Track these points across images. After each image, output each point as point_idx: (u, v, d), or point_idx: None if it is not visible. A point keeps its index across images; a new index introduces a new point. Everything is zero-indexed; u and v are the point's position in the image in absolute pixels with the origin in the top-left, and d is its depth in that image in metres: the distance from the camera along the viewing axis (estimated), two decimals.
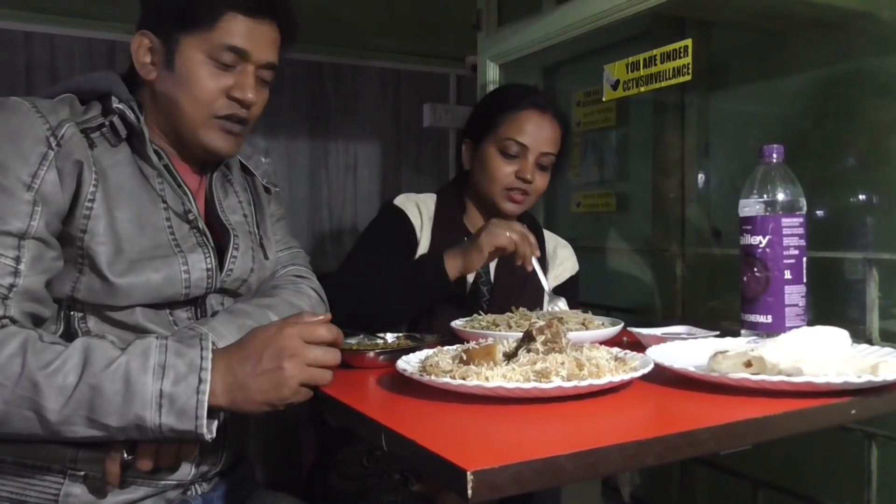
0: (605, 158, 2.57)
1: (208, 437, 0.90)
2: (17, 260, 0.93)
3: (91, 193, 1.00)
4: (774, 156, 1.16)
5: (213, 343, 0.94)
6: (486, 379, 0.86)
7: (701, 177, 2.21)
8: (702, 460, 1.95)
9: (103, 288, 1.00)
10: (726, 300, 1.98)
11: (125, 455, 0.97)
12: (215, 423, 0.91)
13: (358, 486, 1.40)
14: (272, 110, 2.87)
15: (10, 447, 0.99)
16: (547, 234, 1.74)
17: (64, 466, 1.00)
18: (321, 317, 0.97)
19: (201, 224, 1.10)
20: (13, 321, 0.92)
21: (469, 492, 0.62)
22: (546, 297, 1.51)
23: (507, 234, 1.37)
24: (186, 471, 1.07)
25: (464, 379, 0.86)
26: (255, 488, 1.25)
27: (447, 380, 0.87)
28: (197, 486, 1.12)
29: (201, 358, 0.90)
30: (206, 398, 0.88)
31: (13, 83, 2.45)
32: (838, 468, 1.62)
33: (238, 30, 1.08)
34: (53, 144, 0.98)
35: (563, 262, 1.72)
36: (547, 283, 1.47)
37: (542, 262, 1.65)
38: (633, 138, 2.46)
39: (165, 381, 0.88)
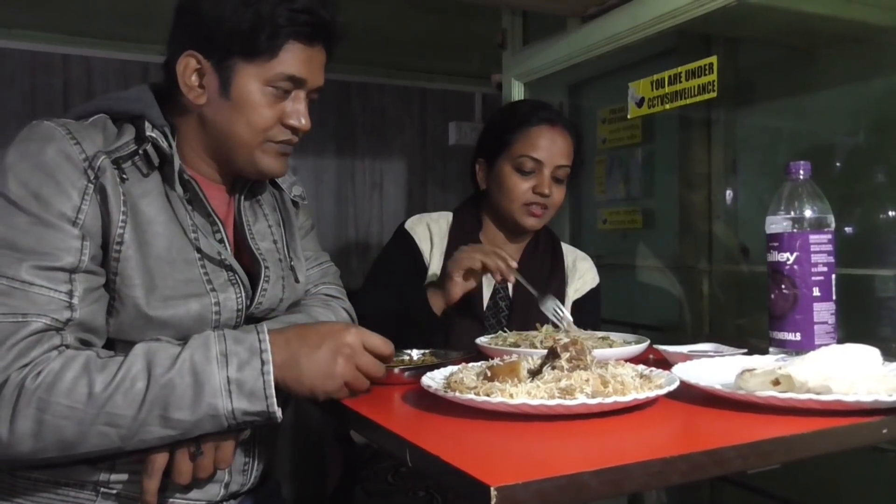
0: (631, 175, 2.57)
1: (279, 417, 0.92)
2: (71, 294, 0.94)
3: (119, 236, 1.00)
4: (801, 172, 1.15)
5: None
6: (511, 396, 0.86)
7: (728, 193, 2.19)
8: (731, 480, 1.92)
9: (138, 324, 1.01)
10: (754, 318, 1.96)
11: (191, 449, 0.97)
12: (280, 406, 0.93)
13: (383, 503, 1.40)
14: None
15: (44, 467, 1.00)
16: (566, 247, 1.74)
17: (97, 485, 1.01)
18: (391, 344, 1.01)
19: (232, 262, 1.09)
20: (68, 347, 0.93)
21: None
22: (546, 305, 1.48)
23: (473, 254, 1.39)
24: (216, 490, 1.08)
25: (488, 395, 0.86)
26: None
27: (472, 396, 0.87)
28: (226, 503, 1.12)
29: (259, 341, 0.93)
30: (272, 378, 0.91)
31: (51, 104, 2.52)
32: (871, 489, 1.59)
33: (297, 59, 1.07)
34: (92, 177, 0.98)
35: (582, 274, 1.71)
36: (534, 290, 1.48)
37: (561, 275, 1.64)
38: (660, 155, 2.46)
39: (231, 368, 0.90)
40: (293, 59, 1.07)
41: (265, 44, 1.04)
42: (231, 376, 0.90)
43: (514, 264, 1.41)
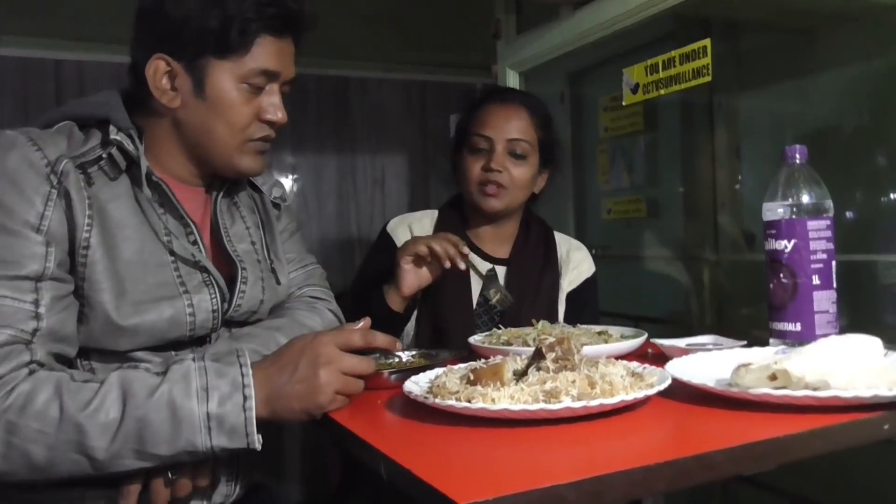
0: (635, 164, 2.52)
1: (258, 447, 0.90)
2: (37, 303, 0.92)
3: (85, 240, 0.97)
4: (797, 157, 1.10)
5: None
6: (493, 401, 0.82)
7: (733, 180, 2.14)
8: (741, 477, 1.88)
9: (107, 331, 0.99)
10: (760, 308, 1.91)
11: (169, 475, 0.97)
12: (260, 434, 0.91)
13: None
14: (298, 126, 2.91)
15: (15, 490, 0.97)
16: (559, 236, 1.68)
17: (74, 502, 0.99)
18: (361, 323, 0.98)
19: (206, 263, 1.07)
20: (41, 365, 0.91)
21: None
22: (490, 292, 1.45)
23: (419, 240, 1.35)
24: None
25: (469, 401, 0.83)
26: None
27: (452, 402, 0.83)
28: None
29: (242, 375, 0.90)
30: (254, 414, 0.88)
31: (44, 111, 2.49)
32: (884, 484, 1.54)
33: (269, 52, 1.05)
34: (55, 182, 0.96)
35: (577, 265, 1.64)
36: (482, 275, 1.45)
37: (555, 267, 1.60)
38: (663, 142, 2.41)
39: (211, 403, 0.87)
40: (265, 52, 1.05)
41: (237, 40, 1.02)
42: (211, 412, 0.88)
43: (466, 250, 1.36)
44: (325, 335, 0.95)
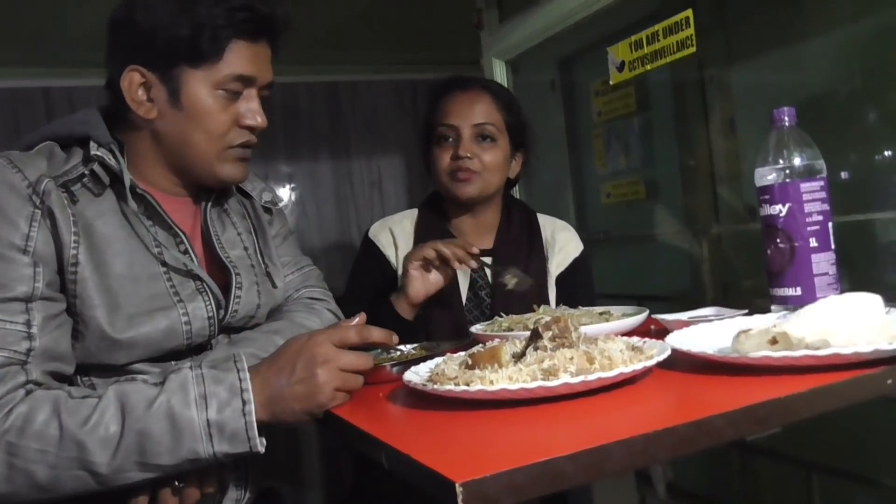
0: (631, 146, 2.50)
1: (261, 450, 0.90)
2: (28, 324, 0.92)
3: (73, 257, 0.97)
4: (786, 119, 1.09)
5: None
6: (491, 382, 0.82)
7: (729, 153, 2.12)
8: (758, 449, 1.86)
9: (103, 347, 0.98)
10: (762, 278, 1.89)
11: (176, 484, 0.97)
12: (263, 437, 0.91)
13: None
14: (292, 135, 2.91)
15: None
16: (543, 218, 1.64)
17: None
18: (356, 320, 0.97)
19: (198, 270, 1.06)
20: (38, 384, 0.91)
21: None
22: (507, 279, 1.43)
23: (426, 245, 1.34)
24: None
25: (467, 385, 0.82)
26: None
27: (450, 387, 0.83)
28: None
29: (240, 380, 0.89)
30: (254, 418, 0.88)
31: None
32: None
33: (243, 57, 1.05)
34: (37, 202, 0.95)
35: (563, 246, 1.60)
36: (490, 267, 1.44)
37: (540, 252, 1.58)
38: (657, 122, 2.39)
39: (210, 410, 0.87)
40: (239, 58, 1.04)
41: (208, 47, 1.02)
42: (211, 419, 0.87)
43: (476, 249, 1.35)
44: (321, 334, 0.94)
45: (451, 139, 1.49)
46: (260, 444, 0.89)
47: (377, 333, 0.99)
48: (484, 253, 1.55)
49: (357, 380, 0.94)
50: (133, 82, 1.03)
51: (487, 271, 1.52)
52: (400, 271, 1.50)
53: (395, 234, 1.55)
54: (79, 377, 1.01)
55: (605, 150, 2.61)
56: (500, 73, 2.18)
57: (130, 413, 0.87)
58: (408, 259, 1.36)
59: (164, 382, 0.89)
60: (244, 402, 0.88)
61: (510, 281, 1.42)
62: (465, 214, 1.56)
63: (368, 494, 1.46)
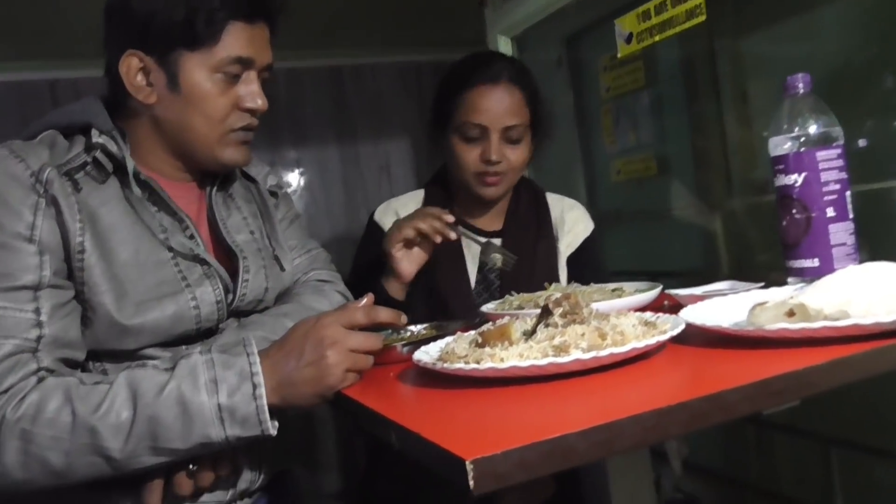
0: (640, 121, 2.47)
1: (273, 433, 0.90)
2: (38, 311, 0.92)
3: (79, 244, 0.97)
4: (800, 85, 1.06)
5: None
6: (501, 360, 0.80)
7: (742, 125, 2.09)
8: (775, 424, 1.84)
9: (113, 333, 0.98)
10: (776, 251, 1.86)
11: (191, 467, 0.97)
12: (275, 420, 0.90)
13: (406, 487, 1.36)
14: (298, 120, 2.89)
15: (40, 497, 0.97)
16: (552, 198, 1.61)
17: (99, 501, 0.99)
18: (364, 301, 0.97)
19: (205, 255, 1.06)
20: (49, 371, 0.91)
21: (471, 482, 0.57)
22: (488, 254, 1.40)
23: (403, 224, 1.31)
24: (224, 492, 1.06)
25: (477, 363, 0.81)
26: (298, 500, 1.22)
27: (460, 365, 0.82)
28: (238, 503, 1.10)
29: (250, 364, 0.89)
30: (265, 402, 0.88)
31: None
32: None
33: (240, 39, 1.03)
34: (41, 191, 0.95)
35: (572, 226, 1.57)
36: (480, 239, 1.40)
37: (549, 232, 1.55)
38: (667, 97, 2.35)
39: (221, 395, 0.87)
40: (236, 40, 1.03)
41: (204, 30, 1.01)
42: (222, 403, 0.87)
43: (451, 218, 1.31)
44: (328, 316, 0.94)
45: (478, 138, 1.44)
46: (272, 427, 0.89)
47: (385, 314, 0.98)
48: (493, 235, 1.54)
49: (367, 360, 0.94)
50: (131, 67, 1.03)
51: (465, 243, 1.49)
52: None
53: (399, 216, 1.52)
54: (90, 363, 1.01)
55: (615, 127, 2.57)
56: (505, 51, 2.15)
57: (141, 399, 0.87)
58: (388, 242, 1.33)
59: (175, 368, 0.89)
60: (255, 386, 0.88)
61: (497, 261, 1.40)
62: (469, 201, 1.54)
63: (382, 477, 1.46)
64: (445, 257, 1.39)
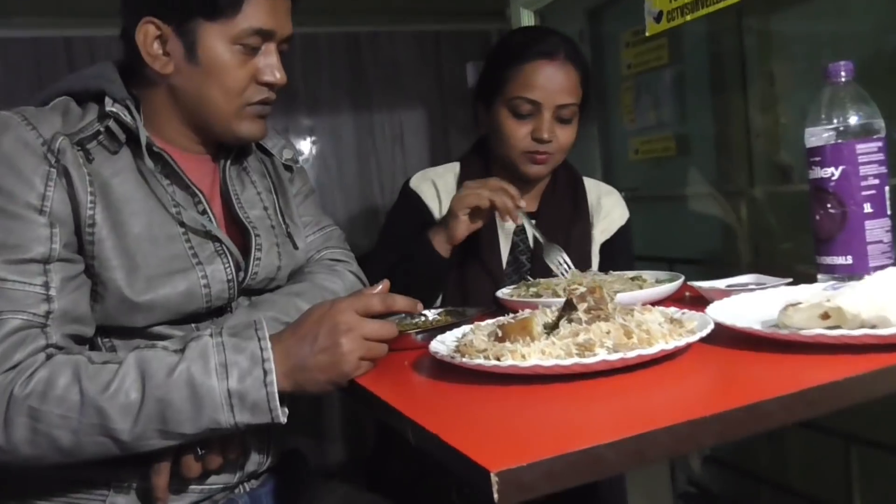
0: (661, 100, 2.41)
1: (283, 421, 0.88)
2: (46, 286, 0.90)
3: (90, 217, 0.94)
4: (843, 74, 1.01)
5: None
6: (523, 357, 0.77)
7: (768, 109, 2.03)
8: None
9: (123, 309, 0.96)
10: (801, 241, 1.81)
11: (199, 451, 0.96)
12: (285, 406, 0.89)
13: (416, 467, 1.35)
14: (313, 88, 2.84)
15: (50, 472, 0.96)
16: (588, 182, 1.58)
17: (108, 479, 0.98)
18: (379, 287, 0.94)
19: (217, 232, 1.03)
20: (58, 348, 0.89)
21: (495, 495, 0.54)
22: (550, 256, 1.36)
23: (479, 191, 1.26)
24: (232, 473, 1.04)
25: (498, 359, 0.78)
26: (306, 480, 1.21)
27: (480, 361, 0.79)
28: (245, 483, 1.08)
29: (261, 349, 0.87)
30: (275, 388, 0.86)
31: None
32: None
33: (262, 10, 1.00)
34: (52, 161, 0.92)
35: (608, 212, 1.55)
36: (541, 236, 1.36)
37: (585, 217, 1.52)
38: (690, 75, 2.29)
39: (231, 380, 0.85)
40: (257, 11, 0.99)
41: (225, 0, 0.97)
42: (232, 388, 0.85)
43: (523, 204, 1.29)
44: (343, 302, 0.91)
45: (530, 114, 1.39)
46: (282, 415, 0.87)
47: (401, 302, 0.95)
48: (527, 215, 1.50)
49: (382, 348, 0.92)
50: (148, 35, 0.99)
51: (529, 236, 1.46)
52: None
53: (437, 188, 1.49)
54: (99, 339, 0.99)
55: (634, 105, 2.51)
56: (526, 24, 2.08)
57: (150, 380, 0.85)
58: (458, 202, 1.28)
59: (184, 350, 0.87)
60: (265, 373, 0.86)
61: (556, 263, 1.35)
62: (508, 177, 1.49)
63: (392, 456, 1.45)
64: (480, 233, 1.35)
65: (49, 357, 0.87)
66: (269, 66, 1.02)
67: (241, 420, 0.86)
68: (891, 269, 0.85)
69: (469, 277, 1.41)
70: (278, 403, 0.86)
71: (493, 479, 0.54)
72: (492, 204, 1.26)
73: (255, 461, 1.07)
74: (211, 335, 0.89)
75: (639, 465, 0.59)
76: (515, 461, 0.55)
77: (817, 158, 1.02)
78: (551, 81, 1.38)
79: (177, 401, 0.84)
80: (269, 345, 0.87)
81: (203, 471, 0.98)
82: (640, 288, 1.16)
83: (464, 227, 1.29)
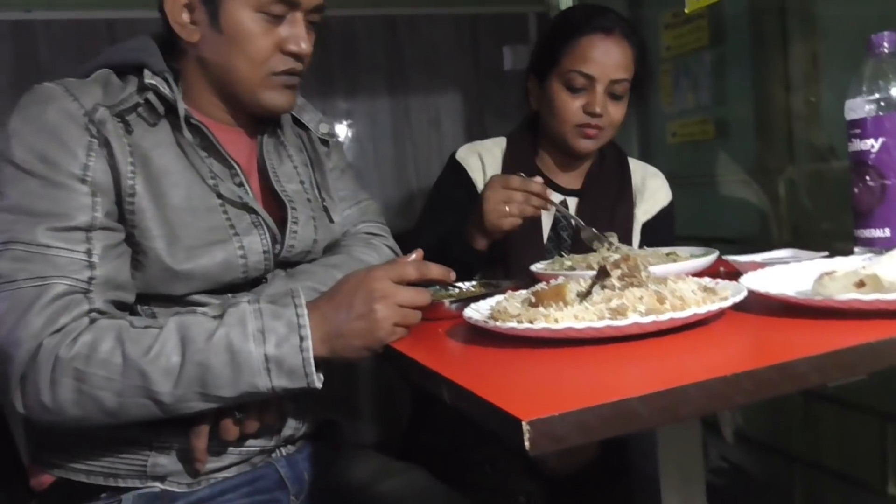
0: (700, 82, 2.38)
1: (318, 386, 0.90)
2: (90, 253, 0.93)
3: (130, 188, 0.97)
4: (886, 45, 1.00)
5: None
6: (556, 321, 0.78)
7: (810, 90, 2.00)
8: (825, 396, 1.79)
9: (163, 277, 0.99)
10: (840, 220, 1.79)
11: (237, 415, 0.99)
12: (321, 372, 0.91)
13: (450, 441, 1.37)
14: (349, 71, 2.86)
15: (97, 431, 0.99)
16: (634, 163, 1.59)
17: (150, 440, 1.01)
18: (413, 255, 0.96)
19: (253, 204, 1.05)
20: (101, 313, 0.92)
21: (527, 443, 0.55)
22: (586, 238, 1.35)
23: (507, 209, 1.24)
24: (269, 437, 1.07)
25: (531, 322, 0.79)
26: (342, 449, 1.24)
27: (513, 324, 0.80)
28: (282, 448, 1.11)
29: (297, 316, 0.89)
30: (311, 354, 0.88)
31: None
32: None
33: None
34: (94, 132, 0.95)
35: (653, 193, 1.56)
36: (580, 221, 1.36)
37: (629, 196, 1.52)
38: (730, 57, 2.26)
39: (268, 345, 0.87)
40: None
41: None
42: (269, 353, 0.87)
43: (550, 198, 1.28)
44: (378, 269, 0.93)
45: (583, 88, 1.41)
46: (317, 380, 0.90)
47: (436, 270, 0.97)
48: (571, 194, 1.51)
49: (416, 314, 0.93)
50: (176, 3, 1.01)
51: (572, 211, 1.47)
52: None
53: (484, 161, 1.51)
54: (139, 306, 1.02)
55: (673, 88, 2.49)
56: (565, 6, 2.07)
57: (190, 345, 0.87)
58: (493, 222, 1.27)
59: (223, 316, 0.90)
60: (301, 339, 0.88)
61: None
62: (556, 154, 1.51)
63: (426, 429, 1.47)
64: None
65: (93, 321, 0.90)
66: (294, 35, 1.02)
67: (279, 384, 0.88)
68: None
69: (511, 254, 1.42)
70: (314, 369, 0.89)
71: (525, 427, 0.55)
72: (523, 214, 1.26)
73: (291, 426, 1.10)
74: (249, 302, 0.91)
75: (671, 421, 0.60)
76: (547, 412, 0.56)
77: (857, 131, 1.01)
78: (607, 56, 1.39)
79: (216, 365, 0.87)
80: (305, 311, 0.89)
81: (241, 434, 1.01)
82: (675, 262, 1.16)
83: (501, 235, 1.31)
